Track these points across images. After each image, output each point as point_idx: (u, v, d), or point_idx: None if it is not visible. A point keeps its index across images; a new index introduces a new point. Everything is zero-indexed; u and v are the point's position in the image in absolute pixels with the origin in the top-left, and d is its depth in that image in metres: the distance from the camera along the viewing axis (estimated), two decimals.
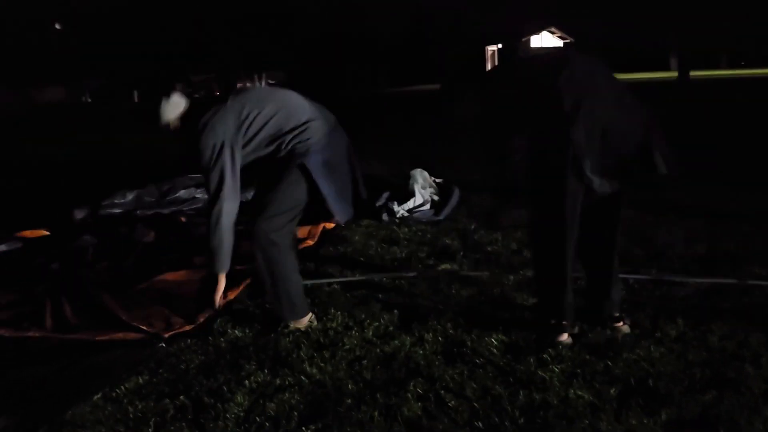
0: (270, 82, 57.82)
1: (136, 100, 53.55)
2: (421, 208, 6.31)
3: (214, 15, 43.47)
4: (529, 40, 48.71)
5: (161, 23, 43.21)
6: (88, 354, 3.49)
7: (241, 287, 4.26)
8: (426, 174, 6.77)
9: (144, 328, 3.67)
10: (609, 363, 3.03)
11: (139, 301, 4.14)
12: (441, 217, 6.14)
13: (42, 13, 41.63)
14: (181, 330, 3.68)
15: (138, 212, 6.83)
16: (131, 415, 2.82)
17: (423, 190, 6.48)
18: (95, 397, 3.00)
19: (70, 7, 43.06)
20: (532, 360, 3.11)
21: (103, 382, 3.14)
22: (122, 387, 3.07)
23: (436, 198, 6.53)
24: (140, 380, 3.14)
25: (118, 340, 3.61)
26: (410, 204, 6.31)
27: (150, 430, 2.72)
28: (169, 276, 4.58)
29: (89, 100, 48.19)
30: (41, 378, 3.29)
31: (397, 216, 6.17)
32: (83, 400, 2.97)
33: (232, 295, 4.13)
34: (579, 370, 2.99)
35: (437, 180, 6.93)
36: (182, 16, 43.46)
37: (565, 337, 3.29)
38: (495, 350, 3.25)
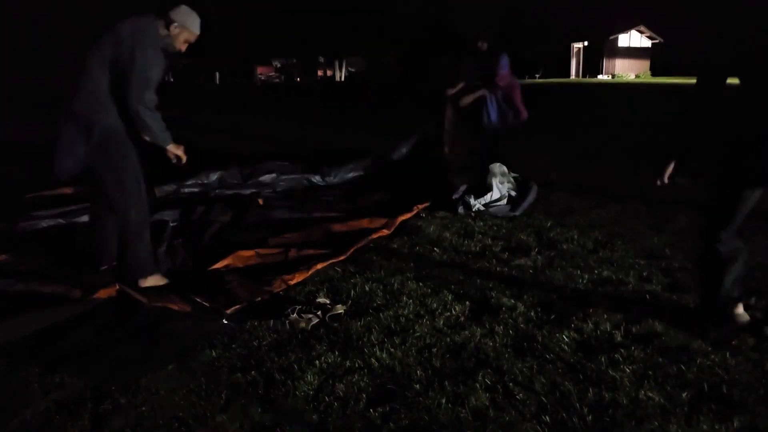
0: (350, 69, 58.03)
1: (217, 81, 54.64)
2: (498, 203, 6.25)
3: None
4: (616, 39, 47.70)
5: (251, 4, 43.51)
6: (159, 321, 3.64)
7: (312, 271, 4.34)
8: (504, 168, 6.70)
9: (204, 303, 3.78)
10: (682, 367, 2.97)
11: (208, 277, 4.29)
12: (517, 213, 6.08)
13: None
14: (244, 305, 3.78)
15: (217, 191, 7.00)
16: (204, 386, 2.91)
17: (501, 184, 6.42)
18: (169, 366, 3.09)
19: None
20: (603, 359, 3.07)
21: (175, 350, 3.26)
22: (196, 358, 3.17)
23: (513, 193, 6.46)
24: (213, 353, 3.22)
25: (180, 312, 3.75)
26: (487, 198, 6.27)
27: (221, 401, 2.80)
28: (241, 254, 4.70)
29: (172, 80, 49.25)
30: (113, 340, 3.43)
31: (473, 209, 6.14)
32: (158, 368, 3.07)
33: (301, 278, 4.21)
34: (651, 372, 2.94)
35: (515, 175, 6.86)
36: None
37: (740, 309, 3.41)
38: (566, 347, 3.22)
